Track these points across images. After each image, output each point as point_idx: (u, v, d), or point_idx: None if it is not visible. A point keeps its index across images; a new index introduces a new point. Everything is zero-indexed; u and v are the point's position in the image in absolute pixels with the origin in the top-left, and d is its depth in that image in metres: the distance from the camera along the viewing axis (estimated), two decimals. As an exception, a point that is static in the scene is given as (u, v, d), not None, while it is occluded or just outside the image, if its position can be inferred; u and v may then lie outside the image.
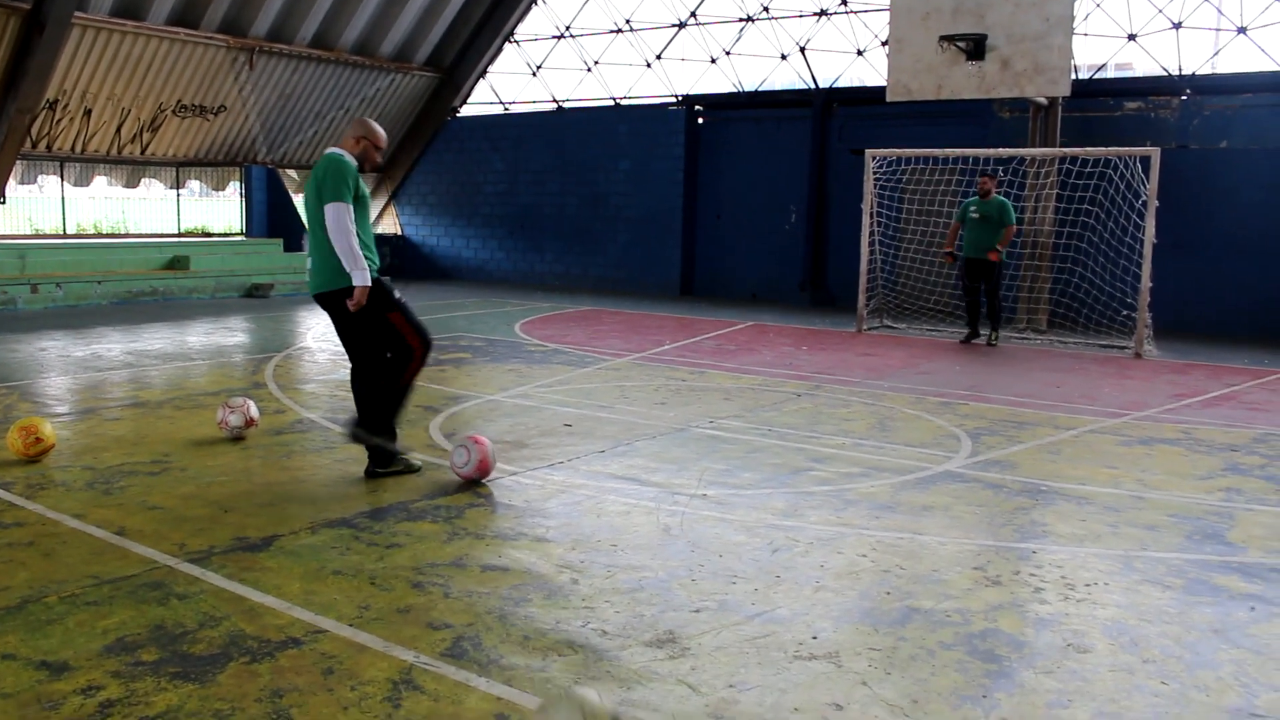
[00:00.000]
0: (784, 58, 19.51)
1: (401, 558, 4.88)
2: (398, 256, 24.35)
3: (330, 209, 6.01)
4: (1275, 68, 15.29)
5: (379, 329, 6.27)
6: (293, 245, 21.32)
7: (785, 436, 7.75)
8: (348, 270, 6.04)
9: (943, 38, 14.35)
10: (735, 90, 20.32)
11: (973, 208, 13.66)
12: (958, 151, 14.94)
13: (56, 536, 5.14)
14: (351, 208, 6.07)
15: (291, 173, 23.41)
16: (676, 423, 8.14)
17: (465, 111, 24.11)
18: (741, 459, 7.01)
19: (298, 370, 10.64)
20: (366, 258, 6.12)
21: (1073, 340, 14.03)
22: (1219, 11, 15.56)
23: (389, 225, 25.11)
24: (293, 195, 23.05)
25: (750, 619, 4.24)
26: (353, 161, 6.24)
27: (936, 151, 15.10)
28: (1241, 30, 15.51)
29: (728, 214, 20.04)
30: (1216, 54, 16.07)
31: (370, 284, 6.08)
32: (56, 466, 6.52)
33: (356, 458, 6.81)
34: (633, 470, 6.61)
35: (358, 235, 6.07)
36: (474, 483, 6.17)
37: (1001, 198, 13.72)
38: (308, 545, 5.04)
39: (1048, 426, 8.46)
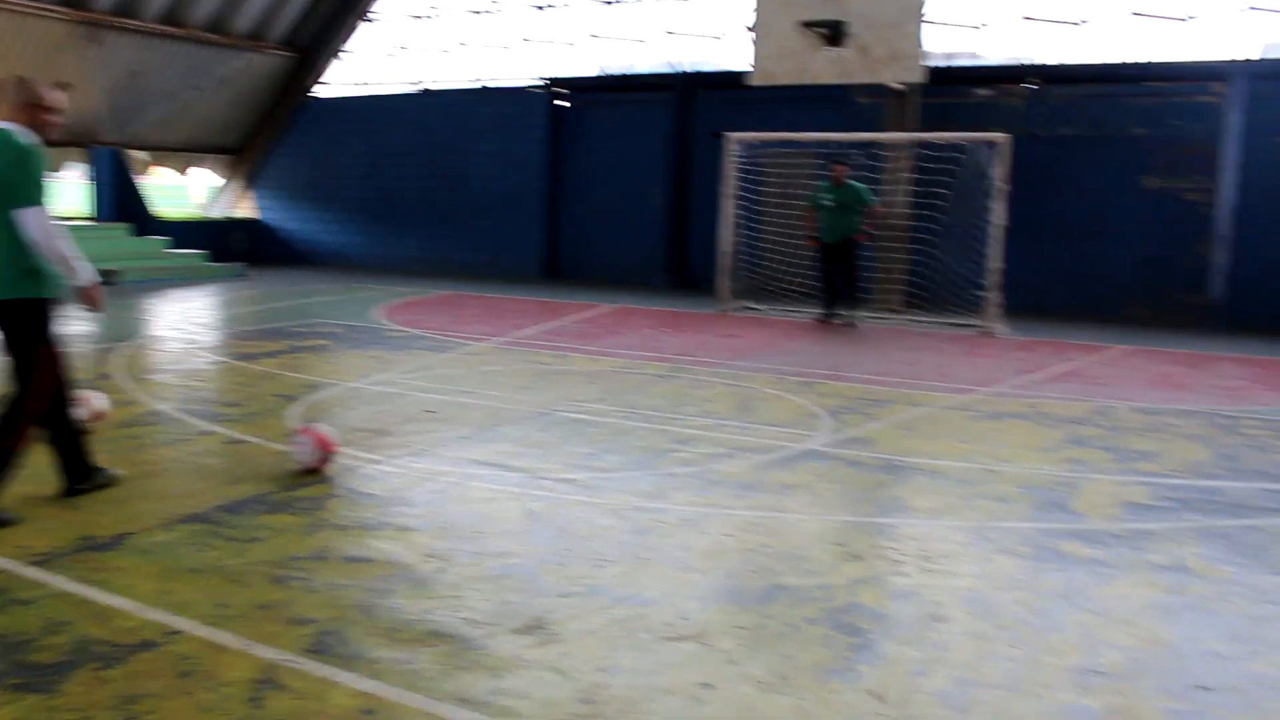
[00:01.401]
0: (646, 42, 19.56)
1: (261, 552, 4.74)
2: (253, 241, 23.64)
3: (28, 216, 4.95)
4: (1115, 60, 16.00)
5: (25, 352, 5.22)
6: (143, 230, 20.50)
7: (649, 419, 7.79)
8: (67, 273, 5.15)
9: (804, 23, 14.58)
10: (598, 74, 20.30)
11: (826, 195, 13.93)
12: (817, 136, 15.22)
13: (-116, 540, 4.85)
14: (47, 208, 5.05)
15: (139, 154, 22.47)
16: (540, 407, 8.11)
17: (324, 93, 23.52)
18: (606, 442, 7.03)
19: (148, 360, 10.24)
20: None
21: (926, 320, 14.47)
22: (1061, 5, 16.16)
23: (245, 210, 24.36)
24: (140, 178, 22.14)
25: (618, 602, 4.25)
26: (38, 144, 5.09)
27: (796, 135, 15.36)
28: (1081, 23, 16.16)
29: (590, 197, 20.04)
30: (1059, 45, 16.70)
31: (92, 284, 5.26)
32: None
33: (213, 450, 6.61)
34: (498, 456, 6.56)
35: None
36: (329, 470, 6.02)
37: (855, 184, 14.02)
38: (161, 543, 4.85)
39: (904, 404, 8.71)
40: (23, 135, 5.05)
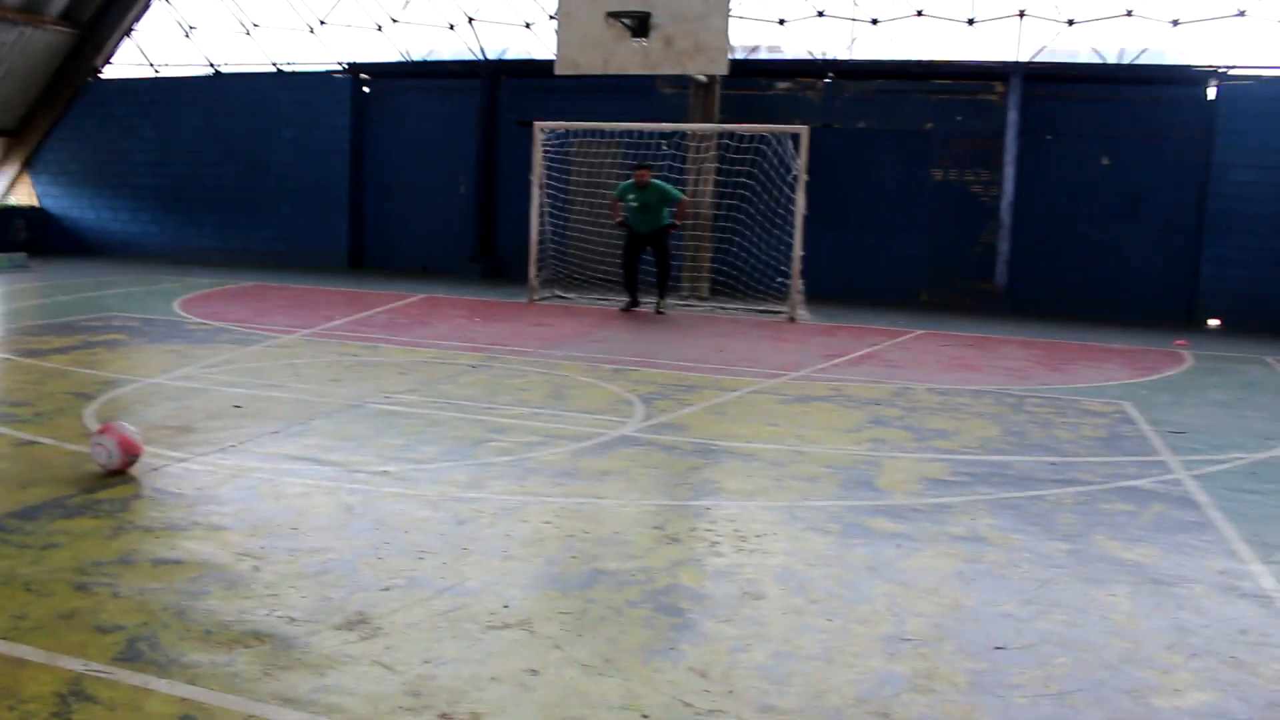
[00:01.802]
0: (452, 28, 19.33)
1: (60, 558, 4.52)
2: (35, 231, 22.22)
3: None
4: (903, 56, 16.77)
5: None
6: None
7: (463, 409, 7.76)
8: None
9: (609, 14, 14.72)
10: (402, 59, 19.95)
11: (631, 195, 14.09)
12: (623, 126, 15.41)
13: None
14: None
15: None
16: (352, 399, 7.97)
17: (110, 74, 22.27)
18: (420, 433, 6.97)
19: (-81, 357, 9.57)
20: None
21: (733, 306, 14.86)
22: (855, 3, 16.82)
23: (24, 196, 22.88)
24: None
25: (441, 593, 4.25)
26: None
27: (603, 125, 15.51)
28: (874, 21, 16.87)
29: (396, 185, 19.71)
30: (854, 42, 17.36)
31: None
32: None
33: (0, 453, 6.24)
34: (310, 450, 6.42)
35: None
36: (132, 468, 5.77)
37: (658, 182, 14.20)
38: (-54, 551, 4.57)
39: (714, 389, 8.94)
40: None
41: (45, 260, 19.64)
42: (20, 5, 20.22)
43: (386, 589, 4.28)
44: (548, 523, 5.20)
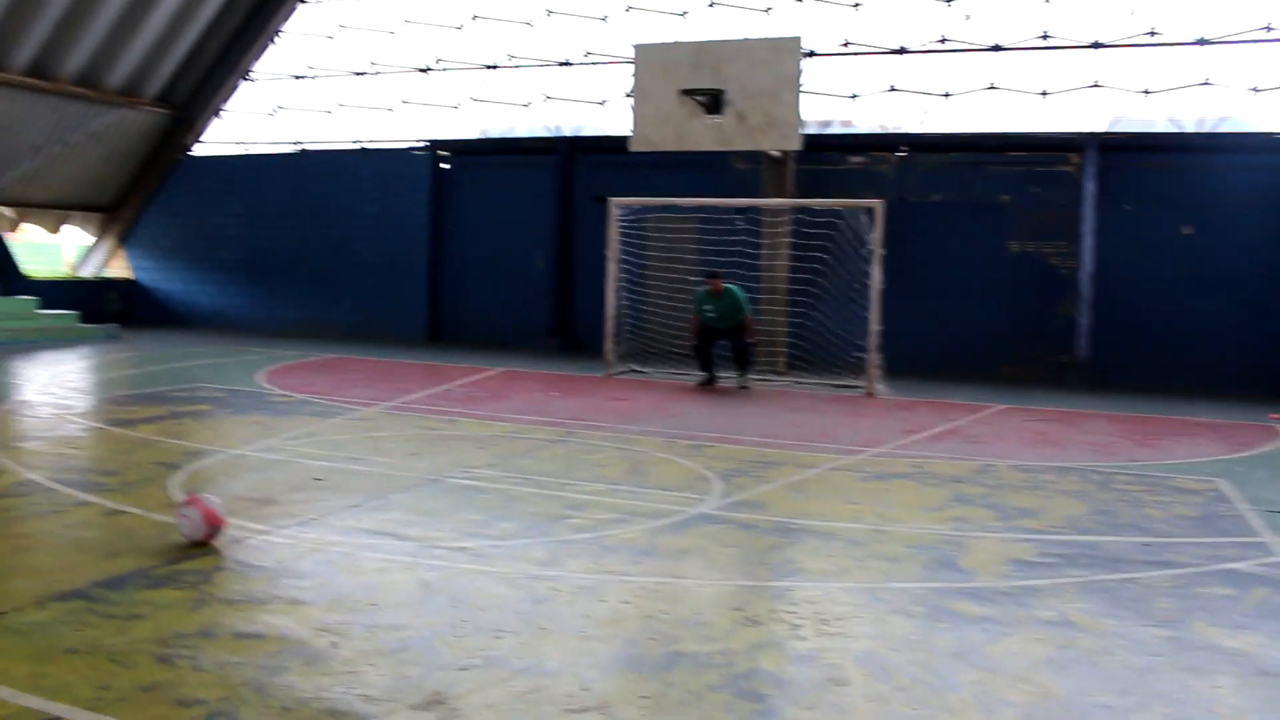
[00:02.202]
0: (529, 105, 19.72)
1: (144, 630, 4.56)
2: (128, 302, 22.94)
3: None
4: (976, 129, 16.71)
5: None
6: (9, 290, 19.73)
7: (541, 484, 7.76)
8: None
9: (682, 91, 14.90)
10: (481, 136, 20.37)
11: (707, 307, 14.14)
12: (697, 201, 15.52)
13: None
14: None
15: (6, 210, 21.69)
16: (430, 473, 8.02)
17: (200, 151, 23.06)
18: (498, 509, 6.97)
19: (17, 427, 9.82)
20: None
21: (810, 381, 14.74)
22: (926, 77, 16.85)
23: (119, 269, 23.65)
24: (6, 235, 21.34)
25: (518, 673, 4.20)
26: None
27: (677, 200, 15.62)
28: (946, 95, 16.88)
29: (474, 259, 20.00)
30: (926, 115, 17.36)
31: None
32: None
33: (90, 522, 6.35)
34: (388, 524, 6.45)
35: None
36: (215, 540, 5.84)
37: (732, 289, 14.21)
38: (36, 622, 4.63)
39: (792, 465, 8.84)
40: None
41: (137, 331, 20.22)
42: (120, 88, 21.08)
43: (464, 668, 4.25)
44: (626, 602, 5.14)
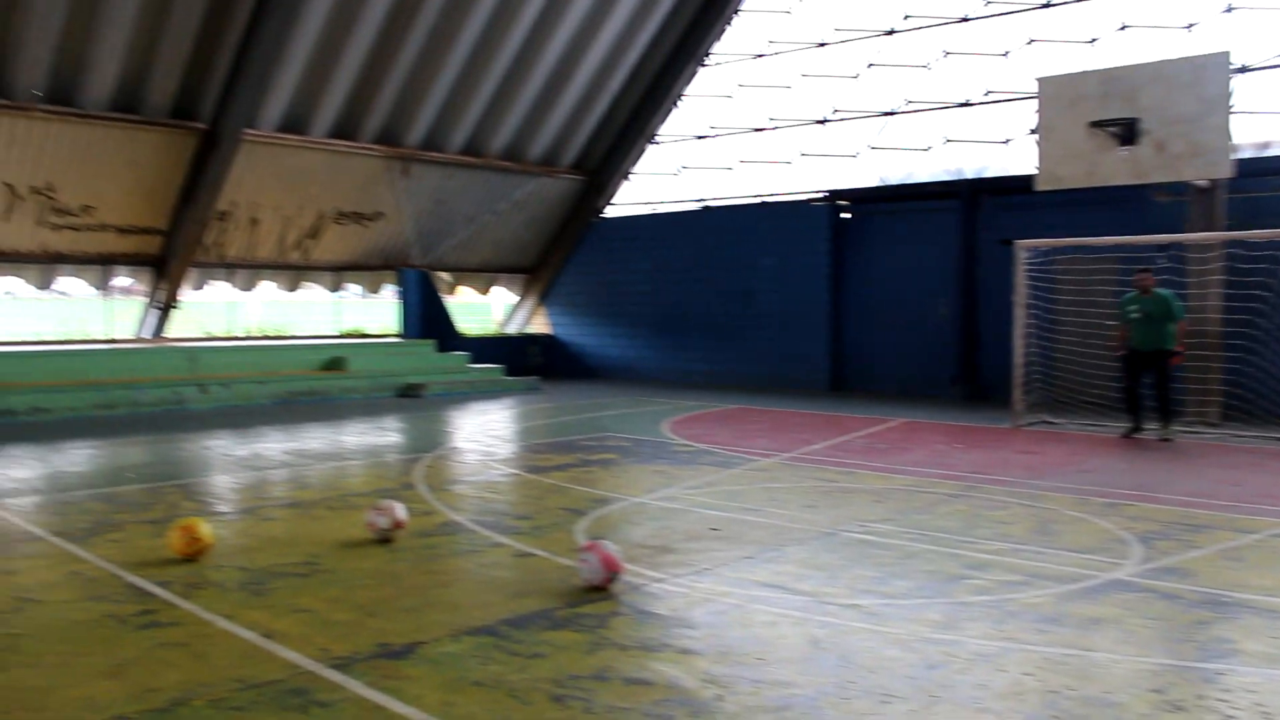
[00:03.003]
0: (928, 150, 19.32)
1: (543, 669, 4.77)
2: (547, 355, 24.77)
3: None
4: None
5: None
6: (446, 346, 21.87)
7: (939, 541, 7.41)
8: None
9: (1092, 123, 14.00)
10: (879, 184, 20.17)
11: (1132, 307, 13.12)
12: (1113, 240, 14.42)
13: (208, 637, 5.21)
14: None
15: (444, 275, 24.13)
16: (826, 526, 7.89)
17: (610, 212, 24.54)
18: (894, 566, 6.72)
19: (447, 472, 10.76)
20: None
21: (1249, 434, 13.21)
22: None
23: (539, 326, 25.61)
24: (445, 297, 23.71)
25: (908, 744, 3.97)
26: None
27: (1090, 240, 14.59)
28: None
29: (875, 308, 19.77)
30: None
31: None
32: (212, 566, 6.65)
33: (502, 563, 6.78)
34: (781, 577, 6.39)
35: None
36: (613, 586, 6.04)
37: (1162, 291, 13.13)
38: (449, 653, 4.97)
39: (1227, 529, 7.90)
40: None
41: (554, 382, 21.71)
42: (540, 160, 22.93)
43: (850, 733, 4.07)
44: (1028, 674, 4.75)
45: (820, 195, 20.66)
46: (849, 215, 20.29)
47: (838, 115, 20.69)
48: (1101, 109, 14.00)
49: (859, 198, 20.30)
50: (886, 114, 19.97)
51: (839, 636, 5.27)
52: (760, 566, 6.67)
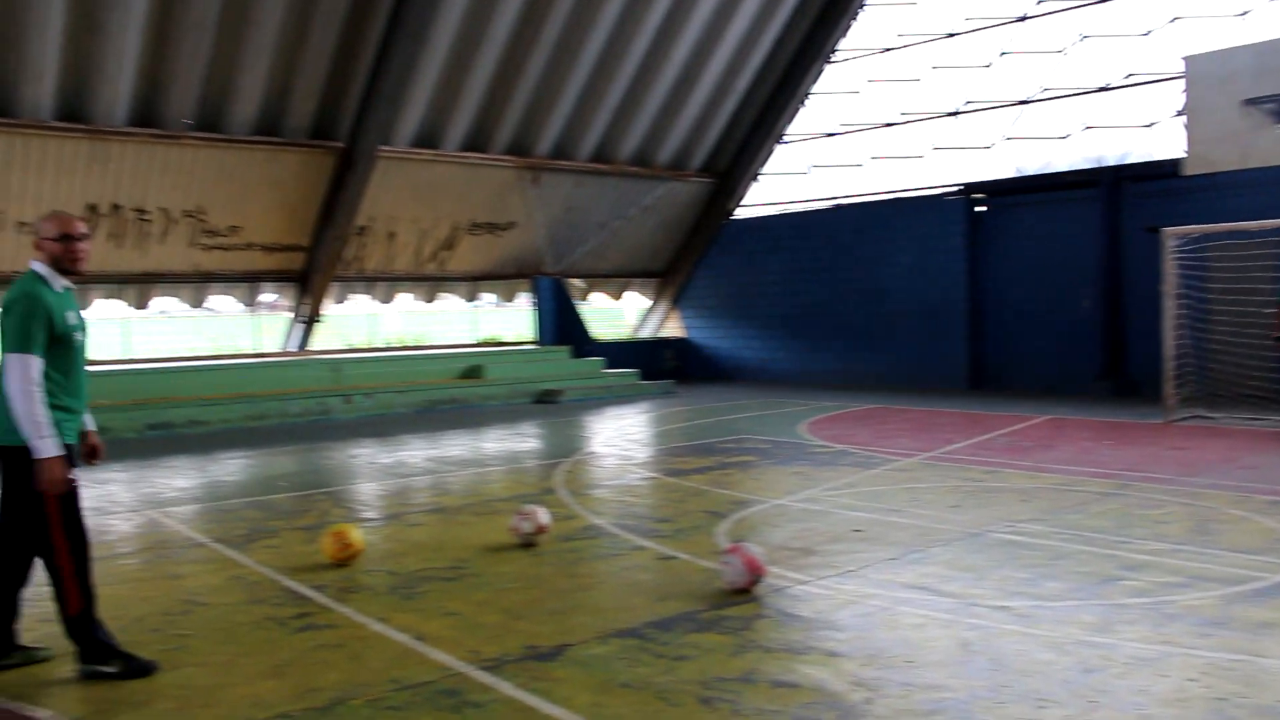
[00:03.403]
0: (1067, 138, 18.75)
1: (689, 671, 4.78)
2: (681, 359, 24.85)
3: (10, 363, 4.67)
4: None
5: (27, 509, 4.81)
6: (580, 352, 22.12)
7: (1092, 541, 7.18)
8: (28, 439, 4.68)
9: (1246, 101, 13.40)
10: (1016, 174, 19.66)
11: None
12: (1272, 224, 13.74)
13: (362, 640, 5.36)
14: (39, 359, 4.70)
15: (577, 281, 24.41)
16: (971, 527, 7.72)
17: (741, 214, 24.48)
18: (1044, 567, 6.53)
19: (586, 476, 10.87)
20: (66, 411, 4.87)
21: None
22: None
23: (672, 329, 25.71)
24: (579, 303, 23.99)
25: (1067, 750, 3.86)
26: (52, 285, 4.87)
27: (1245, 225, 13.94)
28: None
29: (1015, 303, 19.26)
30: None
31: (60, 454, 4.72)
32: (364, 571, 6.86)
33: (644, 565, 6.81)
34: (927, 579, 6.28)
35: (60, 377, 4.84)
36: (756, 588, 6.02)
37: None
38: (596, 655, 5.02)
39: (1405, 527, 7.47)
40: (37, 281, 4.84)
41: (688, 386, 21.74)
42: (669, 164, 23.02)
43: (1006, 738, 3.97)
44: (1192, 680, 4.56)
45: (954, 189, 20.24)
46: (985, 208, 19.82)
47: (970, 106, 20.25)
48: (1256, 86, 13.42)
49: (995, 190, 19.81)
50: (1021, 103, 19.45)
51: (990, 639, 5.15)
52: (905, 568, 6.57)
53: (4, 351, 4.72)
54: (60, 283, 4.94)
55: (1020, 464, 10.63)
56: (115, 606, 6.10)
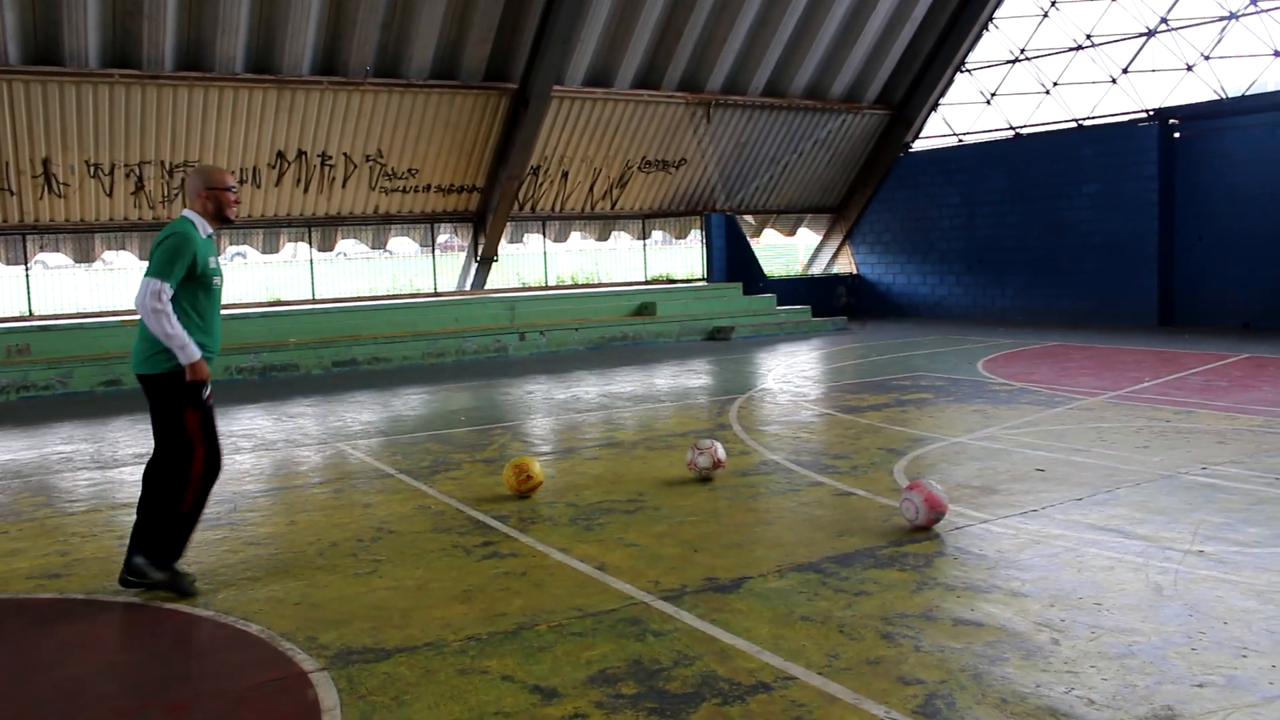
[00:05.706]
0: (1277, 54, 17.51)
1: (869, 606, 4.78)
2: (853, 296, 24.51)
3: (143, 285, 5.16)
4: None
5: (171, 423, 5.35)
6: (751, 289, 22.04)
7: (1297, 484, 6.83)
8: (171, 349, 5.21)
9: None
10: (1217, 97, 18.51)
11: None
12: None
13: (544, 569, 5.54)
14: (170, 287, 5.15)
15: (749, 218, 24.26)
16: (1163, 468, 7.42)
17: (917, 146, 23.82)
18: (1244, 512, 6.24)
19: (760, 412, 10.88)
20: (202, 344, 5.33)
21: None
22: None
23: (844, 265, 25.34)
24: (750, 240, 23.85)
25: (1269, 700, 3.71)
26: (200, 231, 5.35)
27: None
28: None
29: (1213, 235, 18.25)
30: None
31: (196, 359, 5.24)
32: (544, 502, 7.06)
33: (822, 501, 6.81)
34: (1115, 521, 6.08)
35: (196, 317, 5.31)
36: (937, 525, 5.96)
37: None
38: (775, 589, 5.07)
39: None
40: (190, 227, 5.30)
41: (861, 323, 21.42)
42: (843, 96, 22.54)
43: (1200, 685, 3.85)
44: None
45: (1147, 115, 19.21)
46: (1180, 134, 18.75)
47: (1167, 26, 19.10)
48: None
49: (1193, 114, 18.70)
50: (1225, 18, 18.23)
51: (1184, 584, 4.97)
52: (1092, 509, 6.38)
53: (145, 274, 5.20)
54: (206, 230, 5.42)
55: (1216, 404, 10.14)
56: (312, 532, 6.47)
